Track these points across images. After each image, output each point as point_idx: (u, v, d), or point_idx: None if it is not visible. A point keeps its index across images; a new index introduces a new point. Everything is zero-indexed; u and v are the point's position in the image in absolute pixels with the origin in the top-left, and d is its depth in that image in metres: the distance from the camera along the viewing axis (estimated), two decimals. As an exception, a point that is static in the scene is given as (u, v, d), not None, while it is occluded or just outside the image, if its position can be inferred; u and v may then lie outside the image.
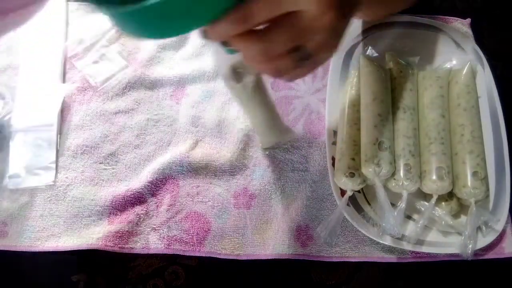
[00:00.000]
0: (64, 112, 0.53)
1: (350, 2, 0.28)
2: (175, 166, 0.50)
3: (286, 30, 0.27)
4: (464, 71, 0.51)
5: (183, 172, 0.50)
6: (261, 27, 0.28)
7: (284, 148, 0.51)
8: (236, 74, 0.38)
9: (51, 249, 0.46)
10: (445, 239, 0.47)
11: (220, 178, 0.50)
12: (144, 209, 0.48)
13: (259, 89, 0.40)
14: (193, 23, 0.27)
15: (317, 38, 0.28)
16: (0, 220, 0.47)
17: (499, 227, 0.46)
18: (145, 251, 0.46)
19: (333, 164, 0.49)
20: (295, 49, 0.29)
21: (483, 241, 0.46)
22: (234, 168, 0.50)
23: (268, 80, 0.55)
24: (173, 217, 0.48)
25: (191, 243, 0.47)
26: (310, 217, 0.48)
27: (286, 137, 0.50)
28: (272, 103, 0.44)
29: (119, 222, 0.47)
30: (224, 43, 0.30)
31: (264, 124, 0.46)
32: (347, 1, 0.28)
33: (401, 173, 0.45)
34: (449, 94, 0.51)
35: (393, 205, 0.45)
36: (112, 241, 0.46)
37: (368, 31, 0.55)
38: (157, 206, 0.48)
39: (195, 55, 0.56)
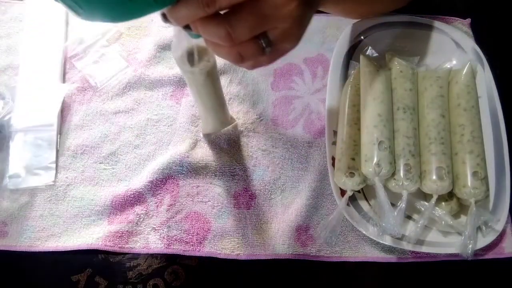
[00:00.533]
0: (64, 112, 0.53)
1: None
2: (175, 166, 0.50)
3: (251, 16, 0.27)
4: (464, 71, 0.51)
5: (183, 172, 0.50)
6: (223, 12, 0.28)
7: (284, 148, 0.52)
8: (191, 58, 0.37)
9: (51, 249, 0.46)
10: (445, 239, 0.47)
11: (220, 178, 0.50)
12: (144, 209, 0.48)
13: (212, 75, 0.40)
14: (152, 5, 0.26)
15: (281, 26, 0.28)
16: (0, 220, 0.47)
17: (499, 227, 0.46)
18: (145, 251, 0.46)
19: (333, 164, 0.49)
20: (258, 36, 0.29)
21: (483, 241, 0.46)
22: (234, 168, 0.50)
23: (268, 82, 0.55)
24: (173, 217, 0.48)
25: (191, 243, 0.47)
26: (310, 217, 0.48)
27: (228, 127, 0.51)
28: (221, 92, 0.45)
29: (118, 222, 0.47)
30: (187, 27, 0.30)
31: (211, 112, 0.46)
32: None
33: (401, 173, 0.45)
34: (449, 94, 0.51)
35: (393, 205, 0.45)
36: (112, 241, 0.46)
37: (368, 31, 0.55)
38: (157, 206, 0.48)
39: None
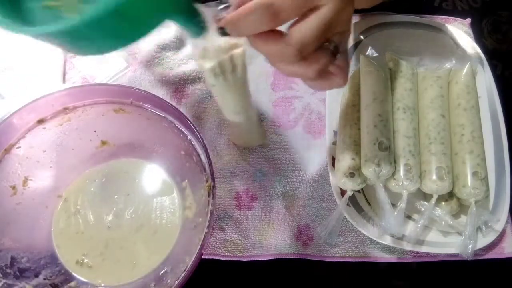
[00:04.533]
0: (64, 112, 0.53)
1: None
2: (175, 166, 0.50)
3: (316, 23, 0.27)
4: (464, 71, 0.51)
5: (183, 172, 0.50)
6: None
7: (285, 148, 0.52)
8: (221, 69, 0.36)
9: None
10: (445, 239, 0.47)
11: (221, 179, 0.50)
12: (144, 209, 0.48)
13: (246, 86, 0.39)
14: (117, 43, 0.26)
15: (341, 29, 0.29)
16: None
17: (499, 227, 0.46)
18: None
19: (333, 164, 0.49)
20: (323, 45, 0.29)
21: (483, 241, 0.46)
22: (234, 169, 0.50)
23: (268, 82, 0.55)
24: (173, 217, 0.48)
25: (191, 243, 0.47)
26: (310, 217, 0.48)
27: (260, 142, 0.51)
28: (255, 105, 0.44)
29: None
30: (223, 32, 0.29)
31: (244, 125, 0.45)
32: None
33: (401, 173, 0.45)
34: (449, 94, 0.51)
35: (393, 205, 0.45)
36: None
37: (368, 31, 0.55)
38: (157, 206, 0.48)
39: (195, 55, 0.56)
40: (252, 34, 0.28)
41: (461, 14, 0.60)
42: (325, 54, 0.29)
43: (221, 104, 0.42)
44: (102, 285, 0.43)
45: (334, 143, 0.50)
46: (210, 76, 0.35)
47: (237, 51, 0.33)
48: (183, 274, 0.36)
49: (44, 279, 0.41)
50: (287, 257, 0.46)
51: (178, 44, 0.57)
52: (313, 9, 0.27)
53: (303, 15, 0.27)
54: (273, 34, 0.28)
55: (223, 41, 0.32)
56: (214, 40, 0.31)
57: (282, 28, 0.28)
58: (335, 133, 0.50)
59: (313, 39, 0.27)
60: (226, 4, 0.29)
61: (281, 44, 0.28)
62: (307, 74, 0.30)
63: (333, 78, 0.32)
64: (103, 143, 0.47)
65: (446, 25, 0.57)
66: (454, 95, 0.50)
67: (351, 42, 0.55)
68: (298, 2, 0.26)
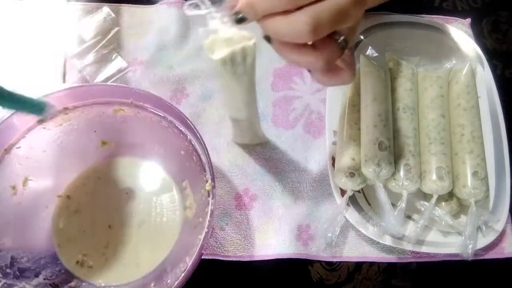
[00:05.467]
0: (64, 112, 0.53)
1: None
2: (175, 166, 0.50)
3: (334, 6, 0.27)
4: (464, 71, 0.51)
5: (183, 172, 0.50)
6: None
7: (285, 148, 0.52)
8: (232, 61, 0.35)
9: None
10: (445, 239, 0.47)
11: (221, 179, 0.50)
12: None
13: (253, 82, 0.39)
14: None
15: (351, 24, 0.29)
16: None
17: (499, 227, 0.46)
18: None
19: (333, 164, 0.49)
20: (334, 37, 0.29)
21: (483, 241, 0.46)
22: (234, 169, 0.50)
23: (268, 82, 0.55)
24: (173, 217, 0.48)
25: (191, 243, 0.47)
26: (310, 217, 0.48)
27: (260, 140, 0.51)
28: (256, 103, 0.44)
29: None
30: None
31: (247, 121, 0.45)
32: None
33: (401, 173, 0.45)
34: (449, 94, 0.51)
35: (393, 205, 0.45)
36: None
37: (368, 31, 0.55)
38: (157, 206, 0.48)
39: (195, 55, 0.56)
40: (267, 14, 0.28)
41: (461, 14, 0.60)
42: (335, 45, 0.30)
43: (227, 99, 0.42)
44: (102, 284, 0.43)
45: (334, 143, 0.50)
46: (219, 67, 0.35)
47: (249, 43, 0.33)
48: (183, 274, 0.36)
49: (44, 279, 0.41)
50: (287, 257, 0.46)
51: (178, 44, 0.57)
52: None
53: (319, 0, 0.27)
54: (287, 12, 0.28)
55: (234, 33, 0.32)
56: (224, 31, 0.31)
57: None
58: (335, 133, 0.50)
59: (328, 21, 0.27)
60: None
61: (295, 21, 0.28)
62: (316, 64, 0.30)
63: (342, 73, 0.32)
64: (103, 143, 0.47)
65: (446, 25, 0.57)
66: (454, 95, 0.50)
67: (351, 42, 0.55)
68: None
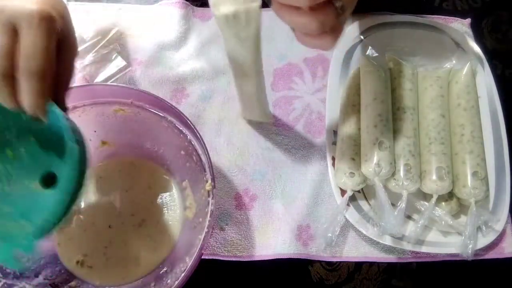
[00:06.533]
0: (64, 112, 0.53)
1: None
2: (175, 166, 0.50)
3: None
4: (464, 71, 0.51)
5: (183, 172, 0.50)
6: None
7: (285, 148, 0.52)
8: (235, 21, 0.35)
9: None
10: (445, 239, 0.47)
11: (221, 179, 0.50)
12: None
13: (258, 48, 0.39)
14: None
15: None
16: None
17: (499, 227, 0.46)
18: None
19: (333, 164, 0.49)
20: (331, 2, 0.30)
21: (483, 241, 0.46)
22: (234, 169, 0.50)
23: (268, 82, 0.55)
24: (173, 217, 0.48)
25: (191, 243, 0.47)
26: (310, 217, 0.48)
27: (267, 119, 0.52)
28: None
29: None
30: None
31: (255, 94, 0.45)
32: None
33: (401, 173, 0.45)
34: (449, 94, 0.51)
35: (393, 205, 0.45)
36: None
37: (368, 31, 0.55)
38: (157, 206, 0.48)
39: (195, 55, 0.56)
40: None
41: (461, 14, 0.60)
42: (333, 10, 0.30)
43: (233, 65, 0.42)
44: (103, 284, 0.43)
45: (334, 143, 0.50)
46: (222, 24, 0.35)
47: (253, 5, 0.33)
48: (183, 274, 0.36)
49: (44, 279, 0.41)
50: (287, 257, 0.46)
51: (178, 44, 0.57)
52: None
53: None
54: None
55: None
56: None
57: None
58: (335, 133, 0.50)
59: None
60: None
61: None
62: (310, 26, 0.30)
63: (325, 37, 0.32)
64: (103, 143, 0.47)
65: (446, 25, 0.57)
66: (454, 95, 0.50)
67: (351, 42, 0.55)
68: None
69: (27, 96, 0.30)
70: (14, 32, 0.29)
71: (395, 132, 0.48)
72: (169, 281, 0.39)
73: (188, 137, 0.42)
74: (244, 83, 0.44)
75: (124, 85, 0.51)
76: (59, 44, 0.32)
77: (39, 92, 0.30)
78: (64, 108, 0.34)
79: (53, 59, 0.31)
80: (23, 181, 0.35)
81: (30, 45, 0.29)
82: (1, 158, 0.35)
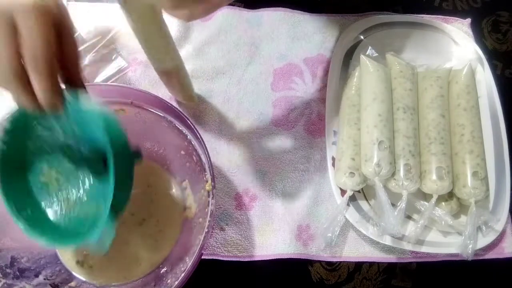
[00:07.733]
0: (64, 112, 0.53)
1: None
2: (175, 166, 0.50)
3: None
4: (464, 71, 0.51)
5: (183, 172, 0.50)
6: None
7: (285, 148, 0.52)
8: None
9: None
10: (445, 239, 0.47)
11: (221, 179, 0.50)
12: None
13: (162, 31, 0.39)
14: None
15: None
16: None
17: (499, 227, 0.46)
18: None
19: (333, 164, 0.49)
20: None
21: (483, 241, 0.46)
22: (234, 169, 0.50)
23: (268, 82, 0.55)
24: (173, 217, 0.48)
25: (191, 243, 0.47)
26: (310, 217, 0.48)
27: (191, 99, 0.52)
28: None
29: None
30: None
31: (174, 75, 0.46)
32: None
33: (401, 173, 0.45)
34: (449, 94, 0.51)
35: (393, 205, 0.45)
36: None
37: (368, 31, 0.55)
38: (157, 206, 0.48)
39: (195, 55, 0.56)
40: None
41: (461, 14, 0.60)
42: None
43: (143, 48, 0.43)
44: (103, 284, 0.43)
45: (334, 143, 0.50)
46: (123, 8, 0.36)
47: None
48: (183, 274, 0.36)
49: (45, 279, 0.41)
50: (287, 257, 0.46)
51: (178, 44, 0.57)
52: None
53: None
54: None
55: None
56: None
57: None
58: (335, 133, 0.50)
59: None
60: None
61: None
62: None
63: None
64: (103, 143, 0.47)
65: (446, 25, 0.57)
66: (454, 95, 0.50)
67: (351, 42, 0.55)
68: None
69: (42, 95, 0.30)
70: (14, 29, 0.29)
71: (395, 132, 0.48)
72: (169, 281, 0.39)
73: (188, 137, 0.42)
74: (161, 64, 0.44)
75: (124, 85, 0.51)
76: (58, 27, 0.31)
77: (53, 89, 0.30)
78: (83, 87, 0.34)
79: (57, 47, 0.30)
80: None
81: (31, 41, 0.29)
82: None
